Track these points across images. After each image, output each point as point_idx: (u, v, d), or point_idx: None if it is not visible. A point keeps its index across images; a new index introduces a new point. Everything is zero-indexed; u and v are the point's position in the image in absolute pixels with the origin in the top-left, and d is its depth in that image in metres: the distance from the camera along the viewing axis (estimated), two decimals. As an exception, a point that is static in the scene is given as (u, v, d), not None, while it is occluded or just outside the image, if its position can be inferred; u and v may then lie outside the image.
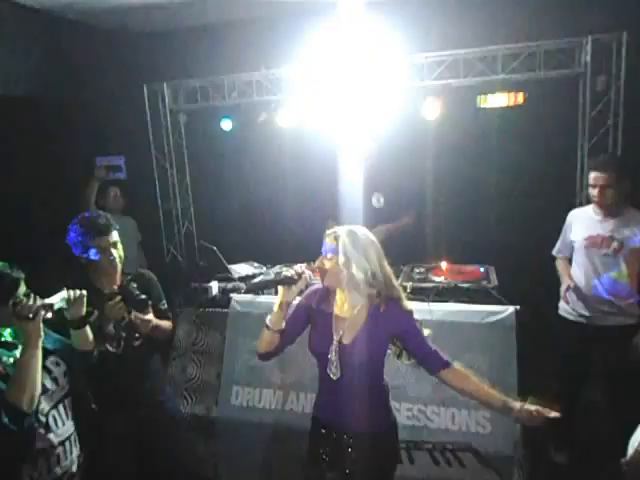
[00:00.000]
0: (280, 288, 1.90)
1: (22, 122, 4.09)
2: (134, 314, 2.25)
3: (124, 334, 2.32)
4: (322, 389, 1.99)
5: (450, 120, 3.68)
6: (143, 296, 2.29)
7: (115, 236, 2.28)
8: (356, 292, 1.85)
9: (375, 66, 3.48)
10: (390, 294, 1.85)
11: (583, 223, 2.88)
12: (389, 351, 1.93)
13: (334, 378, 1.86)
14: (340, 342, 1.87)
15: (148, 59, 4.50)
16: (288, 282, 1.87)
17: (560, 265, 3.04)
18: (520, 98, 3.68)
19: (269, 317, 1.91)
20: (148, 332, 2.32)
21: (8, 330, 1.88)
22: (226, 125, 4.43)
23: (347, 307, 1.89)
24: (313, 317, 1.96)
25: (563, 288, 2.89)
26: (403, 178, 3.61)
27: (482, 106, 3.69)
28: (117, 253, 2.28)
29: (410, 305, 1.89)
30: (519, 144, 3.87)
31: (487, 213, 3.88)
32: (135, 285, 2.32)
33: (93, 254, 2.23)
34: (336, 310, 1.92)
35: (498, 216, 3.82)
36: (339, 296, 1.91)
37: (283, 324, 1.91)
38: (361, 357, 1.84)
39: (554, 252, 3.08)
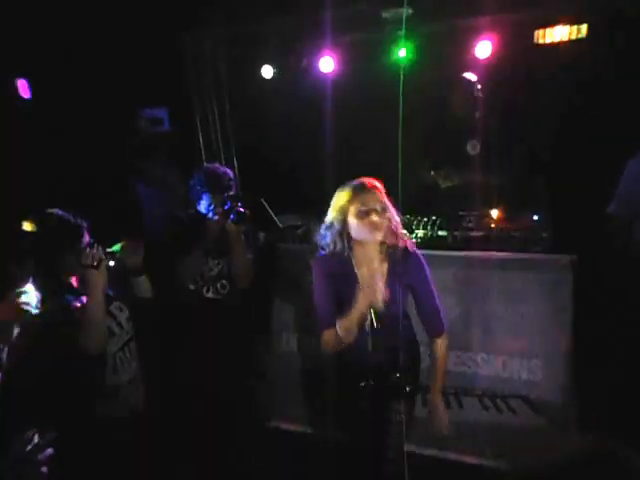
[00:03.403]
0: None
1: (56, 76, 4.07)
2: (229, 224, 2.34)
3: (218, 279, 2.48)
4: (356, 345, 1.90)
5: (505, 59, 3.43)
6: (244, 210, 2.36)
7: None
8: (373, 244, 1.82)
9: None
10: (398, 242, 1.84)
11: None
12: None
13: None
14: None
15: (187, 5, 4.37)
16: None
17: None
18: (583, 31, 3.37)
19: (342, 324, 1.76)
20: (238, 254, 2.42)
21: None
22: (267, 72, 4.32)
23: (370, 262, 1.82)
24: (337, 284, 1.87)
25: None
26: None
27: (540, 42, 3.41)
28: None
29: (417, 251, 1.89)
30: (581, 83, 3.57)
31: (543, 158, 3.66)
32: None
33: (204, 206, 2.39)
34: (360, 268, 1.85)
35: (555, 161, 3.60)
36: (358, 252, 1.84)
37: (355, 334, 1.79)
38: (395, 309, 1.81)
39: (610, 210, 2.77)
